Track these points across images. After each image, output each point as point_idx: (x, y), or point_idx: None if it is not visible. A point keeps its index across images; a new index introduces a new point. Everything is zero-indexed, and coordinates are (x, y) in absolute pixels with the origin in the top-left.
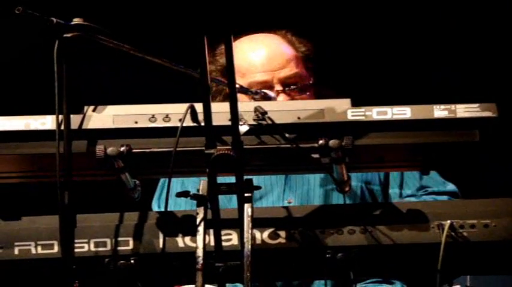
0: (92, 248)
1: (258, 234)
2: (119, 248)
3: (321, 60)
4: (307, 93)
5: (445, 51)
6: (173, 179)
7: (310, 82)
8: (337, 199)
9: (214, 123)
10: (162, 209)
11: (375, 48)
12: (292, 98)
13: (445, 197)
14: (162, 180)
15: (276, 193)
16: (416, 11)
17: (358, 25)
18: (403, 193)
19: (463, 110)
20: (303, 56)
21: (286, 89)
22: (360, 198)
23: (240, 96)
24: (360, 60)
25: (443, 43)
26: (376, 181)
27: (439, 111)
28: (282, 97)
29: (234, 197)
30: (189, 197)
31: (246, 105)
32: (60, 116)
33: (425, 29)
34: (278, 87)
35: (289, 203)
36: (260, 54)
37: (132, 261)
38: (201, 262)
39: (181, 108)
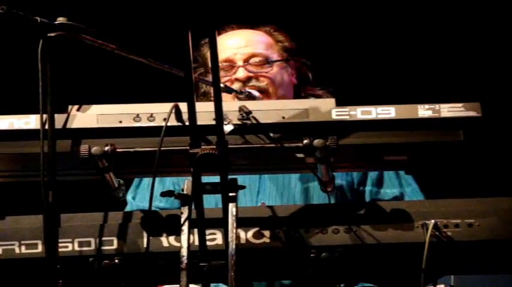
0: (76, 248)
1: (242, 234)
2: (103, 247)
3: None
4: (270, 68)
5: (431, 50)
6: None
7: (274, 59)
8: (314, 198)
9: (199, 122)
10: (137, 201)
11: (359, 47)
12: (254, 74)
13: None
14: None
15: (248, 194)
16: (402, 9)
17: (343, 24)
18: (382, 192)
19: (447, 110)
20: (281, 46)
21: (245, 63)
22: (340, 196)
23: (224, 95)
24: (345, 59)
25: (428, 42)
26: (356, 179)
27: (423, 111)
28: (240, 72)
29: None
30: (173, 197)
31: (231, 105)
32: (44, 116)
33: (412, 28)
34: (239, 63)
35: (263, 204)
36: (233, 38)
37: (116, 261)
38: (185, 261)
39: (165, 107)
